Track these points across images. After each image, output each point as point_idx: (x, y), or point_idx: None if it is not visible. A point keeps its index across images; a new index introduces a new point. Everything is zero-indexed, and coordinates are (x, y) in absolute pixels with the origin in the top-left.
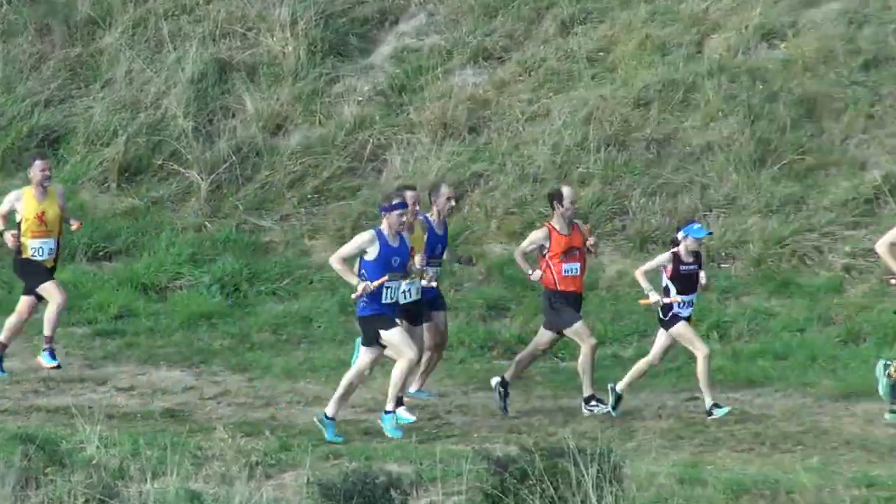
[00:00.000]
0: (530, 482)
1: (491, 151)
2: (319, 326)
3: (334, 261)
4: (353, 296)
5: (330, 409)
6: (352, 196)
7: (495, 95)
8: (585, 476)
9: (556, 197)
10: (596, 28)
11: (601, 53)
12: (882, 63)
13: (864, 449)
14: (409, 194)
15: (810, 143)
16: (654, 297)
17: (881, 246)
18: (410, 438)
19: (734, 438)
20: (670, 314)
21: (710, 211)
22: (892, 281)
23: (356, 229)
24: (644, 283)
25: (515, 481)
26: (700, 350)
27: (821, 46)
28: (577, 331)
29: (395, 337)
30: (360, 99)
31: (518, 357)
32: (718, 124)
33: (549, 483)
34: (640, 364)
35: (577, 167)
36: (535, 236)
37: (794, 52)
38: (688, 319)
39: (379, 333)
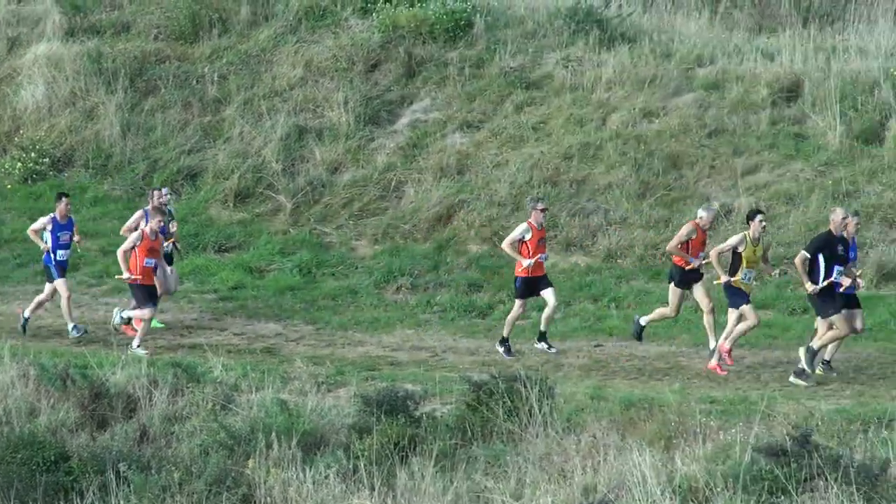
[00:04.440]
0: (496, 397)
1: (471, 186)
2: (361, 296)
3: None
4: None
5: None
6: (382, 213)
7: (474, 151)
8: (531, 393)
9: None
10: (538, 108)
11: (541, 124)
12: (719, 133)
13: (708, 379)
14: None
15: (674, 184)
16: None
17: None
18: (420, 368)
19: (625, 371)
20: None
21: (610, 226)
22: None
23: (384, 236)
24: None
25: (486, 396)
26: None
27: (681, 122)
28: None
29: None
30: (388, 151)
31: None
32: (616, 171)
33: (507, 398)
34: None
35: (525, 197)
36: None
37: (665, 125)
38: None
39: None
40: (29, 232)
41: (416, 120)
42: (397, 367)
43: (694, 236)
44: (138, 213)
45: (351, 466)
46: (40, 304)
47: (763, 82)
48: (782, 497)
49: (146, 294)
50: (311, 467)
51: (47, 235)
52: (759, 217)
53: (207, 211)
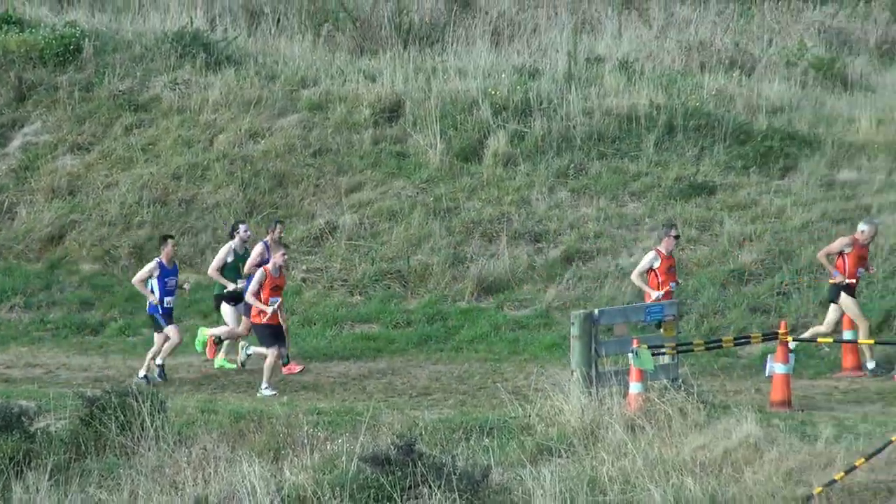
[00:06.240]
0: (109, 412)
1: (83, 207)
2: None
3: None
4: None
5: None
6: None
7: (85, 172)
8: (143, 408)
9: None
10: (147, 130)
11: (150, 146)
12: (324, 153)
13: (315, 391)
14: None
15: (280, 202)
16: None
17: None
18: (34, 385)
19: (234, 385)
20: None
21: (218, 243)
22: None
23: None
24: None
25: (99, 411)
26: None
27: (286, 142)
28: None
29: None
30: (0, 174)
31: None
32: (223, 190)
33: (120, 412)
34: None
35: (136, 217)
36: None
37: (270, 145)
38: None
39: None
40: (135, 283)
41: (27, 143)
42: (11, 384)
43: (849, 251)
44: (259, 248)
45: None
46: (154, 358)
47: (365, 103)
48: None
49: (272, 334)
50: None
51: (153, 283)
52: None
53: None
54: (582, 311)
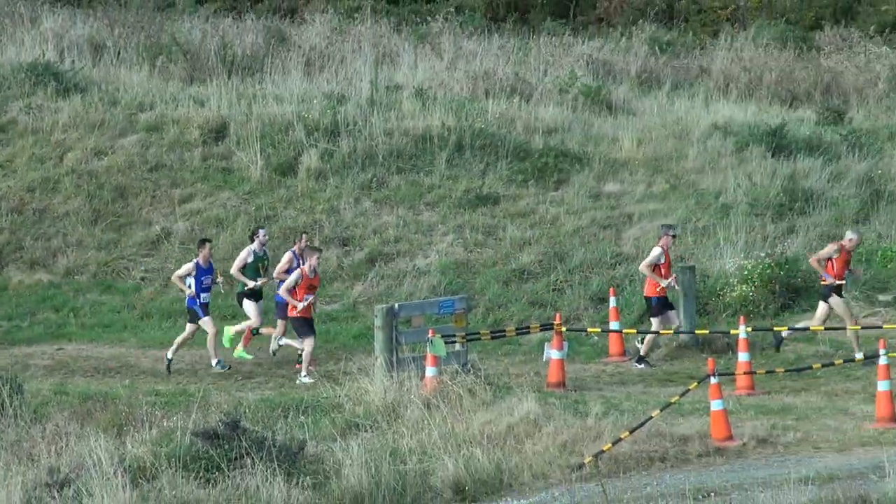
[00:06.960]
0: None
1: None
2: None
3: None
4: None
5: None
6: None
7: None
8: (2, 390)
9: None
10: (4, 149)
11: (8, 162)
12: (159, 168)
13: (153, 375)
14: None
15: (122, 211)
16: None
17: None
18: None
19: (83, 370)
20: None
21: (69, 247)
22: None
23: None
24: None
25: None
26: None
27: (127, 159)
28: None
29: None
30: None
31: None
32: (72, 201)
33: None
34: None
35: None
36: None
37: (113, 162)
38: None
39: None
40: (173, 278)
41: None
42: None
43: (836, 256)
44: (288, 256)
45: None
46: (182, 344)
47: (195, 125)
48: (217, 473)
49: (307, 325)
50: None
51: (191, 280)
52: None
53: None
54: (384, 305)
